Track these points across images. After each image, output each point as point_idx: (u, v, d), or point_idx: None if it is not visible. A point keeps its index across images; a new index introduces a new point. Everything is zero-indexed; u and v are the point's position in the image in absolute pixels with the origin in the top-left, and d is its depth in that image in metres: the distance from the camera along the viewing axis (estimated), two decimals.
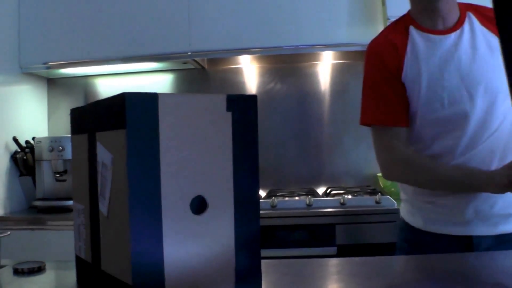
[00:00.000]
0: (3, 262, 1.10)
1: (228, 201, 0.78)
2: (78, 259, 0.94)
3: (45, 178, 2.55)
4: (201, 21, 2.52)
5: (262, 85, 2.86)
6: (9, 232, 1.05)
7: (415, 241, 1.46)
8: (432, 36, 1.40)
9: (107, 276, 0.79)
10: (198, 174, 0.75)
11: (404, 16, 1.48)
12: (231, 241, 0.78)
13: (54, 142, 2.50)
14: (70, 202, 2.41)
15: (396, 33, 1.44)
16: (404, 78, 1.40)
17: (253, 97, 0.79)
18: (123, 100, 0.69)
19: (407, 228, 1.49)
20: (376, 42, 1.48)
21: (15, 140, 2.53)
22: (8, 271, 1.05)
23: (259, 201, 0.80)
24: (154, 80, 2.92)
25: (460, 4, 1.42)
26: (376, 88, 1.44)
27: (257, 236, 0.80)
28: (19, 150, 2.55)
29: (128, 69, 2.83)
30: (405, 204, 1.53)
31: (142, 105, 0.70)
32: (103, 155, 0.77)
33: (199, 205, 0.76)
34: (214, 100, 0.76)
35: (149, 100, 0.70)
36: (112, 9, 2.57)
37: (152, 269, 0.72)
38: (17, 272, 1.03)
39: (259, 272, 0.82)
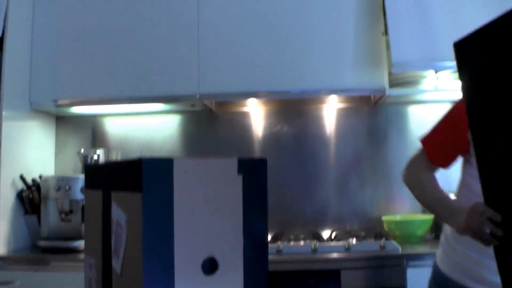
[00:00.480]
0: None
1: (238, 262, 0.79)
2: None
3: (51, 217, 2.54)
4: (210, 64, 2.57)
5: (268, 127, 2.89)
6: (18, 282, 1.06)
7: (442, 286, 1.56)
8: None
9: None
10: (210, 236, 0.76)
11: None
12: None
13: (61, 181, 2.49)
14: (75, 243, 2.40)
15: None
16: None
17: (263, 161, 0.81)
18: (139, 164, 0.71)
19: (437, 271, 1.59)
20: None
21: (22, 178, 2.54)
22: None
23: (267, 262, 0.81)
24: (161, 120, 2.95)
25: None
26: (445, 123, 1.56)
27: None
28: (25, 188, 2.56)
29: (136, 110, 2.87)
30: (440, 248, 1.63)
31: (158, 169, 0.72)
32: (118, 214, 0.79)
33: (210, 266, 0.77)
34: (226, 163, 0.78)
35: (164, 165, 0.72)
36: (122, 51, 2.63)
37: None
38: None
39: None
